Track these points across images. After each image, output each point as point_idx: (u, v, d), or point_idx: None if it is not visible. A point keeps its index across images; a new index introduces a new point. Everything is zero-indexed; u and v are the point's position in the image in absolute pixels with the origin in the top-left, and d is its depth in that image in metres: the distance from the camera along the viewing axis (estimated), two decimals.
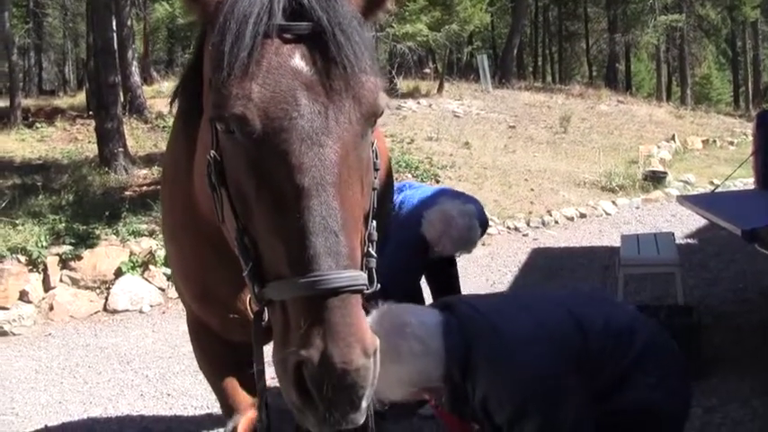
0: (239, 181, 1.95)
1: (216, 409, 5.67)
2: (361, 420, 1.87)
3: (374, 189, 2.16)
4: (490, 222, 6.16)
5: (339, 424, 1.83)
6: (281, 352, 1.84)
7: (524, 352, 2.90)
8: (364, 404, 1.83)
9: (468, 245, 5.07)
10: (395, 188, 5.42)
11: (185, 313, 3.41)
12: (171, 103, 2.57)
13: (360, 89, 1.93)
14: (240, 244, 1.97)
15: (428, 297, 5.67)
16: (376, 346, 1.83)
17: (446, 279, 5.68)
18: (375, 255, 2.10)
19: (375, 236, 2.14)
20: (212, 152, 2.02)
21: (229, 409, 3.23)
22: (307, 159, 1.84)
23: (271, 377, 2.02)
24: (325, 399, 1.77)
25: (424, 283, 5.77)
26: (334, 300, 1.77)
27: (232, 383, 3.20)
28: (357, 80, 1.92)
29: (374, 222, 2.15)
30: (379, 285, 2.03)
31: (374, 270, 2.05)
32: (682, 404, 3.11)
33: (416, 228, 5.02)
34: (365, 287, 1.88)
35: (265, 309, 1.97)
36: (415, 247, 5.07)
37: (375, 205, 2.17)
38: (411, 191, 5.48)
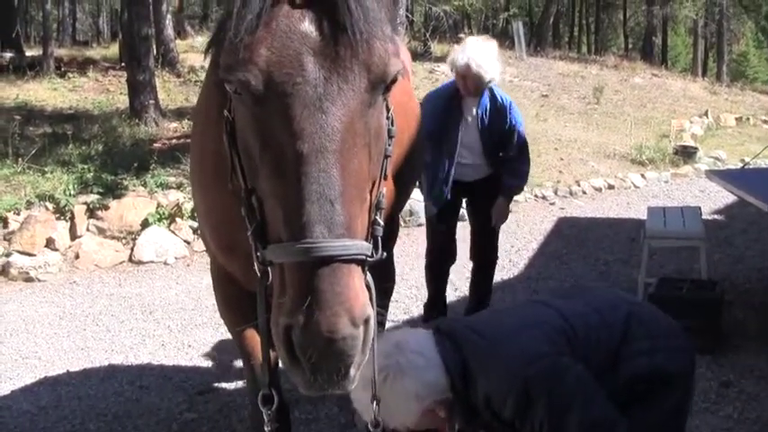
0: (246, 142, 1.98)
1: (236, 361, 5.76)
2: (350, 387, 1.89)
3: (387, 156, 2.15)
4: None
5: (325, 389, 1.86)
6: (275, 314, 1.87)
7: (511, 344, 2.94)
8: (352, 372, 1.85)
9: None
10: None
11: (210, 265, 3.46)
12: (204, 55, 2.59)
13: (369, 56, 1.90)
14: (246, 204, 2.01)
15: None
16: (367, 315, 1.83)
17: (486, 233, 6.48)
18: (382, 223, 2.09)
19: (384, 203, 2.13)
20: (225, 112, 2.06)
21: (248, 355, 3.34)
22: (308, 125, 1.83)
23: None
24: (310, 364, 1.80)
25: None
26: (325, 268, 1.78)
27: (251, 332, 3.27)
28: (366, 47, 1.89)
29: (383, 189, 2.13)
30: (385, 254, 2.04)
31: (380, 238, 2.05)
32: (685, 359, 3.15)
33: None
34: (363, 256, 1.88)
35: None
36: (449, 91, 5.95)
37: (386, 173, 2.15)
38: None
